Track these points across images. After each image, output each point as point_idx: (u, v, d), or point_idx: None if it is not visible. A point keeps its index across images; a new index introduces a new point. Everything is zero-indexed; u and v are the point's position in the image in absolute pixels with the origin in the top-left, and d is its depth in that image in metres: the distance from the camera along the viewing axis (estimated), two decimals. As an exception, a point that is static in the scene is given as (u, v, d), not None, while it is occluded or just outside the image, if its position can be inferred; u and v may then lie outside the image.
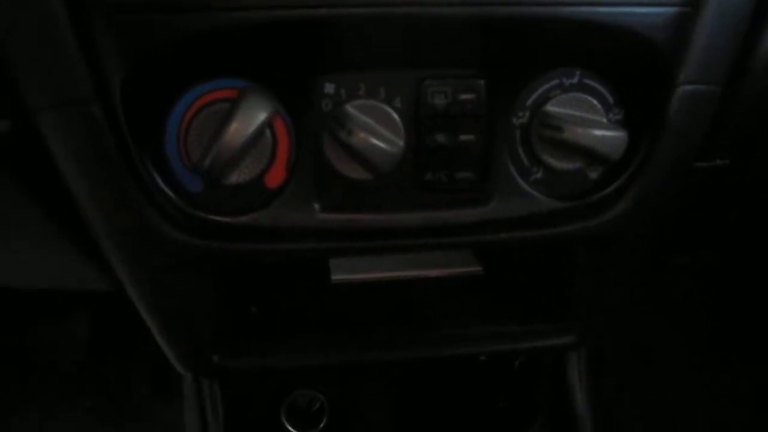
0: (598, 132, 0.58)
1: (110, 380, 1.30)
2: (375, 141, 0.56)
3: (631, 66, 0.59)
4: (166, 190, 0.58)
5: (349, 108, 0.57)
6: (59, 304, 1.34)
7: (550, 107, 0.60)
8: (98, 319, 1.31)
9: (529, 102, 0.60)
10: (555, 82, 0.60)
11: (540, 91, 0.60)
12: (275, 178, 0.59)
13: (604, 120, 0.61)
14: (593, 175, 0.64)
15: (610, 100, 0.61)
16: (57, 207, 0.64)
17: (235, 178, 0.58)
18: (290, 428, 0.90)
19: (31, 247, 0.76)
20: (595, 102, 0.61)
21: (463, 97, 0.58)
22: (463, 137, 0.60)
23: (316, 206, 0.60)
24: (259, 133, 0.55)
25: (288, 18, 0.51)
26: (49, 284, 0.91)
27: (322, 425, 0.90)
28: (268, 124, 0.56)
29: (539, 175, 0.63)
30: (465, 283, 0.81)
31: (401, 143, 0.58)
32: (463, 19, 0.53)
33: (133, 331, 0.82)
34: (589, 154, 0.60)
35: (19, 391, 1.30)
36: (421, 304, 0.79)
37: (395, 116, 0.58)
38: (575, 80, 0.60)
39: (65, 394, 1.30)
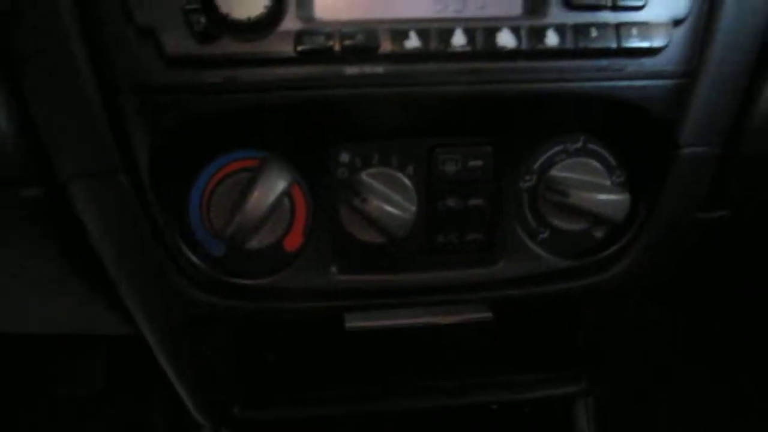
0: (602, 196, 0.61)
1: (127, 416, 1.32)
2: (388, 208, 0.59)
3: (633, 132, 0.62)
4: (190, 255, 0.61)
5: (364, 176, 0.60)
6: (78, 339, 1.36)
7: (556, 172, 0.63)
8: (115, 355, 1.34)
9: (536, 166, 0.63)
10: (560, 147, 0.63)
11: (546, 155, 0.63)
12: (293, 242, 0.62)
13: (608, 183, 0.63)
14: (598, 234, 0.66)
15: (613, 162, 0.64)
16: (83, 263, 0.67)
17: (256, 243, 0.61)
18: None
19: (56, 298, 0.80)
20: (598, 165, 0.64)
21: (473, 163, 0.61)
22: (473, 201, 0.62)
23: (333, 268, 0.63)
24: (279, 202, 0.58)
25: (308, 98, 0.54)
26: (70, 330, 0.94)
27: None
28: (287, 192, 0.59)
29: (546, 235, 0.65)
30: (475, 329, 0.83)
31: (413, 209, 0.61)
32: (472, 96, 0.56)
33: (150, 370, 0.85)
34: (593, 217, 0.62)
35: (35, 424, 1.32)
36: (433, 351, 0.81)
37: (408, 183, 0.61)
38: (580, 145, 0.63)
39: (81, 428, 1.32)
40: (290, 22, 0.52)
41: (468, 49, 0.53)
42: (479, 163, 0.61)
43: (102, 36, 0.53)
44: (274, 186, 0.57)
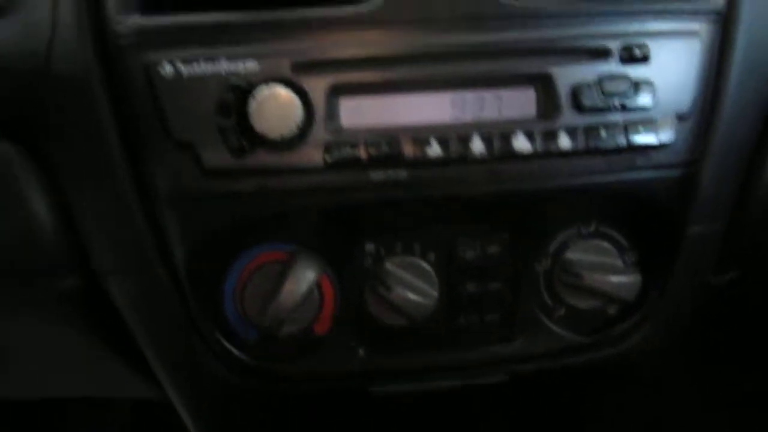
0: (614, 278, 0.64)
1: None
2: (411, 296, 0.62)
3: (642, 217, 0.65)
4: (224, 342, 0.65)
5: (388, 265, 0.63)
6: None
7: (570, 254, 0.66)
8: (139, 410, 1.37)
9: (551, 249, 0.66)
10: (574, 230, 0.66)
11: (560, 238, 0.66)
12: (323, 326, 0.65)
13: (620, 263, 0.66)
14: (611, 311, 0.69)
15: (625, 244, 0.67)
16: (119, 345, 0.70)
17: (287, 329, 0.64)
18: None
19: (87, 372, 0.83)
20: (610, 247, 0.67)
21: (491, 250, 0.65)
22: (492, 285, 0.66)
23: (360, 351, 0.66)
24: (309, 292, 0.61)
25: (335, 202, 0.58)
26: (101, 394, 0.97)
27: None
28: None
29: (561, 312, 0.68)
30: (490, 390, 0.86)
31: (435, 294, 0.64)
32: (490, 195, 0.59)
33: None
34: (607, 297, 0.65)
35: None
36: (448, 413, 0.84)
37: (429, 269, 0.64)
38: (592, 229, 0.66)
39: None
40: (318, 135, 0.55)
41: (486, 154, 0.56)
42: (497, 249, 0.65)
43: (142, 148, 0.56)
44: (304, 278, 0.60)
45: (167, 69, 0.54)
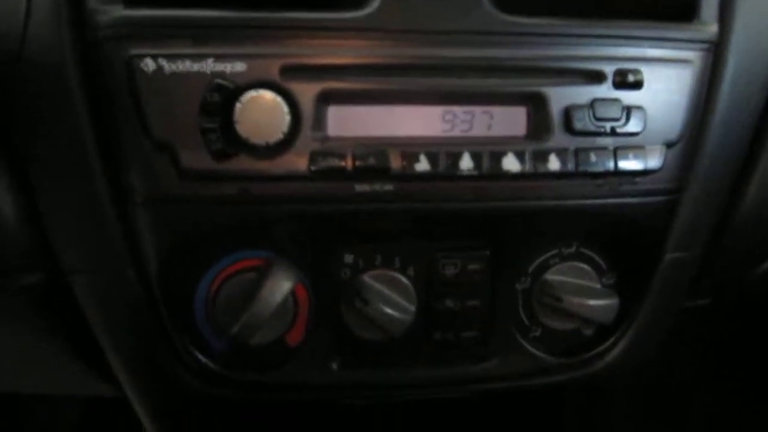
0: (592, 302, 0.64)
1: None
2: (388, 310, 0.61)
3: (624, 240, 0.65)
4: (193, 350, 0.62)
5: (366, 278, 0.62)
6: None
7: (550, 276, 0.65)
8: (90, 406, 1.32)
9: (531, 269, 0.65)
10: (555, 251, 0.65)
11: (541, 259, 0.65)
12: (295, 337, 0.64)
13: (598, 286, 0.66)
14: (587, 332, 0.69)
15: (604, 266, 0.67)
16: (81, 344, 0.67)
17: (259, 339, 0.62)
18: None
19: (49, 371, 0.80)
20: (590, 269, 0.66)
21: (471, 267, 0.64)
22: (470, 302, 0.65)
23: (333, 364, 0.65)
24: (284, 302, 0.59)
25: (318, 212, 0.56)
26: (58, 392, 0.93)
27: None
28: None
29: (537, 333, 0.68)
30: (465, 404, 0.86)
31: (413, 308, 0.62)
32: (476, 212, 0.58)
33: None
34: (584, 320, 0.65)
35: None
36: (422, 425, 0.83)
37: (408, 284, 0.63)
38: (573, 250, 0.66)
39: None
40: (305, 142, 0.54)
41: (475, 172, 0.55)
42: (477, 266, 0.64)
43: (118, 146, 0.54)
44: (280, 287, 0.58)
45: (149, 64, 0.51)
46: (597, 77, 0.57)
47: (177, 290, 0.60)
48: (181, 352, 0.62)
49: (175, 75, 0.52)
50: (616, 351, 0.70)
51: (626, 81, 0.57)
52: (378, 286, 0.62)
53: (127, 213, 0.56)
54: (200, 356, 0.62)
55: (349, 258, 0.62)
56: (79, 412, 1.32)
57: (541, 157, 0.56)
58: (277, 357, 0.64)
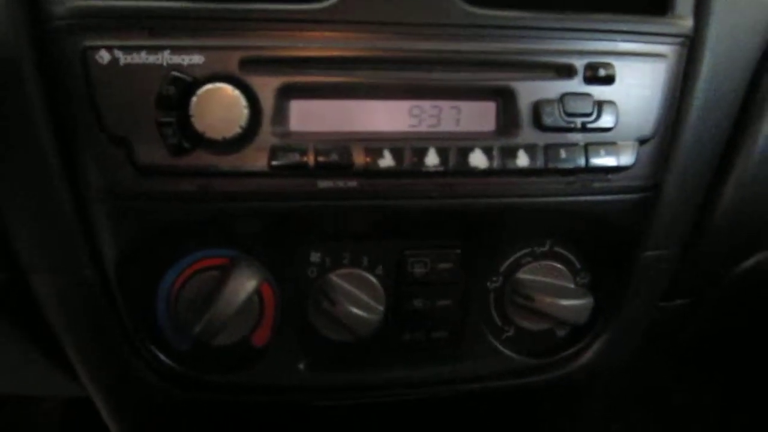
0: (565, 302, 0.62)
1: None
2: (356, 311, 0.59)
3: (598, 238, 0.63)
4: (154, 350, 0.61)
5: (333, 277, 0.60)
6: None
7: (522, 275, 0.64)
8: (70, 406, 1.31)
9: (503, 268, 0.64)
10: (527, 250, 0.64)
11: (513, 258, 0.64)
12: (261, 337, 0.62)
13: (572, 285, 0.65)
14: (561, 332, 0.68)
15: (578, 265, 0.65)
16: (45, 343, 0.66)
17: (223, 339, 0.60)
18: None
19: (15, 370, 0.78)
20: (563, 268, 0.65)
21: (441, 266, 0.62)
22: (441, 302, 0.63)
23: (300, 365, 0.63)
24: (248, 301, 0.57)
25: (280, 209, 0.54)
26: (27, 393, 0.92)
27: None
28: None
29: (510, 333, 0.66)
30: (438, 405, 0.84)
31: (381, 308, 0.61)
32: (443, 209, 0.57)
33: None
34: (557, 320, 0.64)
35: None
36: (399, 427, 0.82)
37: (377, 283, 0.62)
38: (546, 248, 0.64)
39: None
40: (265, 137, 0.52)
41: (441, 168, 0.54)
42: (448, 265, 0.62)
43: (74, 141, 0.52)
44: (244, 286, 0.57)
45: (104, 56, 0.50)
46: (567, 71, 0.55)
47: (137, 289, 0.59)
48: (143, 352, 0.60)
49: (130, 67, 0.50)
50: (590, 352, 0.69)
51: (597, 75, 0.55)
52: (345, 285, 0.60)
53: (85, 210, 0.54)
54: (162, 356, 0.61)
55: (315, 257, 0.61)
56: (60, 411, 1.31)
57: (509, 153, 0.55)
58: (243, 358, 0.62)
